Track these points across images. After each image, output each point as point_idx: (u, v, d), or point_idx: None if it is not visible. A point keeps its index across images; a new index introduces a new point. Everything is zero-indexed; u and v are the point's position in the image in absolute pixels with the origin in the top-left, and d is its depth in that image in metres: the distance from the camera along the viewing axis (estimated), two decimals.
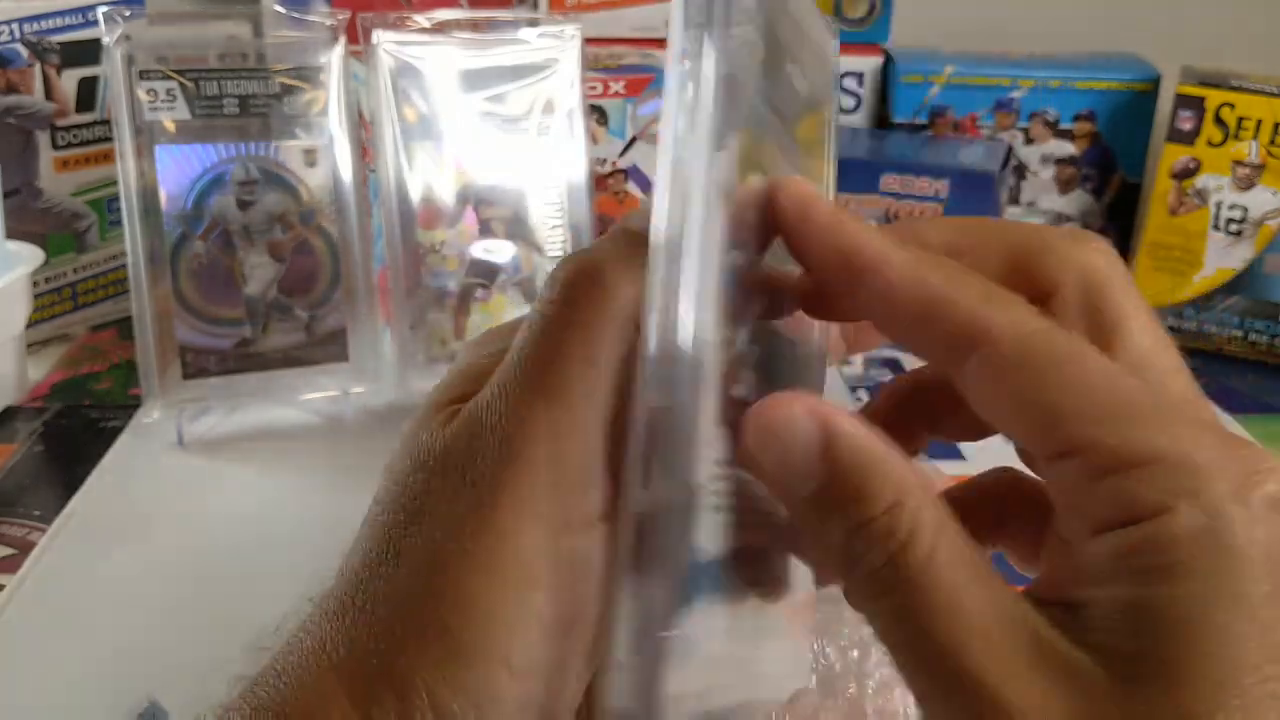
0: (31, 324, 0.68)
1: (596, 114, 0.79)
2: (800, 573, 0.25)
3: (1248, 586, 0.18)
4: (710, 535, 0.22)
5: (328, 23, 0.64)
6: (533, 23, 0.67)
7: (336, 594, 0.22)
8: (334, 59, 0.64)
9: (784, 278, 0.25)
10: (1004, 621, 0.19)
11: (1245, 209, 0.74)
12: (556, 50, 0.66)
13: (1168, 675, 0.18)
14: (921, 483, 0.21)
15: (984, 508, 0.26)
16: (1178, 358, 0.23)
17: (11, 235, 0.66)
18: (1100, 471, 0.20)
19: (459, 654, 0.21)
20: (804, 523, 0.22)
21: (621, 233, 0.23)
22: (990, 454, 0.27)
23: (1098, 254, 0.24)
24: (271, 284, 0.64)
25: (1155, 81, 0.81)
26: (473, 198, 0.65)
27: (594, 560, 0.22)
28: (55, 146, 0.72)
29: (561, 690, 0.22)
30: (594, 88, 0.78)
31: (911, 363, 0.27)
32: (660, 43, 0.80)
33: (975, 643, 0.19)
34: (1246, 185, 0.73)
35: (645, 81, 0.80)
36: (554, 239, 0.67)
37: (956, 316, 0.21)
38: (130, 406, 0.66)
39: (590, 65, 0.75)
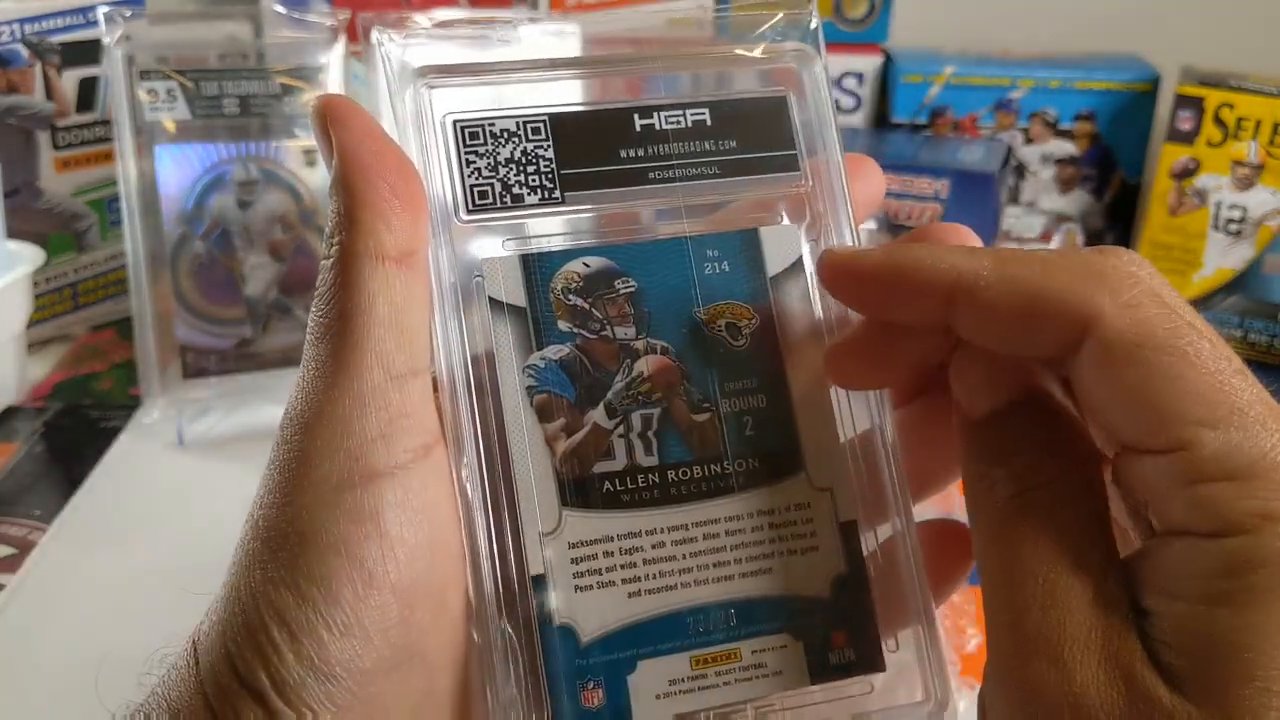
0: (31, 324, 0.68)
1: None
2: None
3: None
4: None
5: (328, 23, 0.64)
6: (533, 22, 0.67)
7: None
8: (334, 59, 0.64)
9: (804, 350, 0.25)
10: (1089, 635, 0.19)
11: (1245, 209, 0.74)
12: (556, 50, 0.66)
13: (1218, 703, 0.17)
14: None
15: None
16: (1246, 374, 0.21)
17: (12, 235, 0.66)
18: (1193, 477, 0.19)
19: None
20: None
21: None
22: None
23: (1127, 280, 0.21)
24: (271, 284, 0.64)
25: (1155, 81, 0.81)
26: None
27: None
28: (55, 146, 0.72)
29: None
30: None
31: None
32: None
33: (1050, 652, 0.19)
34: (1246, 185, 0.73)
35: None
36: None
37: (1063, 310, 0.20)
38: (130, 406, 0.66)
39: None
